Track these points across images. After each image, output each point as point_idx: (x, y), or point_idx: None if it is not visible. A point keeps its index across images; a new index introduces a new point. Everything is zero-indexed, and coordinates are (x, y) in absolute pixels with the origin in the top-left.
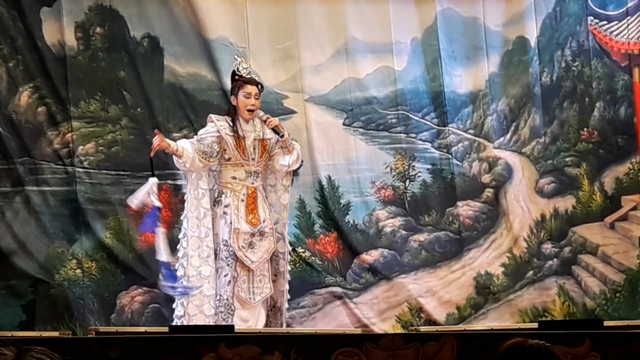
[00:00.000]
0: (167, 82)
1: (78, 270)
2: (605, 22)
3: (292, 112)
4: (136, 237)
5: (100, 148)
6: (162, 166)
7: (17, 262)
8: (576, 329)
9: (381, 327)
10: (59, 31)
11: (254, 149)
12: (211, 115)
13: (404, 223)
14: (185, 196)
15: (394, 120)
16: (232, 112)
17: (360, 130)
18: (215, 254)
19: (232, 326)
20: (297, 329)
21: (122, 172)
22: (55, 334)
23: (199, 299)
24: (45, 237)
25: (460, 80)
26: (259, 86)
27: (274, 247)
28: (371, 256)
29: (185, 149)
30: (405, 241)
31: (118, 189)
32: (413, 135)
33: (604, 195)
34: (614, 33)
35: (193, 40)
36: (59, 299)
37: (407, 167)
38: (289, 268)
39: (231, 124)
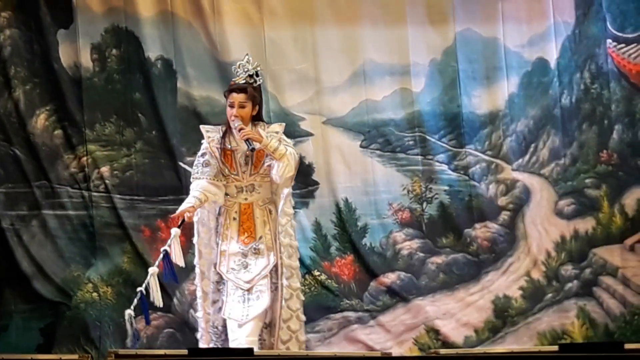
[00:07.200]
0: (180, 104)
1: (94, 294)
2: (623, 45)
3: (310, 134)
4: (152, 262)
5: (115, 172)
6: (176, 191)
7: (35, 286)
8: (597, 352)
9: (398, 350)
10: (74, 53)
11: (247, 161)
12: (202, 126)
13: (421, 245)
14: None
15: (411, 142)
16: (226, 124)
17: (378, 152)
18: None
19: (252, 349)
20: (318, 351)
21: (136, 197)
22: (75, 356)
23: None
24: (61, 261)
25: (479, 101)
26: (247, 90)
27: (274, 261)
28: (388, 278)
29: (206, 191)
30: (423, 263)
31: (132, 214)
32: (430, 157)
33: (624, 217)
34: (632, 56)
35: (207, 63)
36: (76, 321)
37: (424, 189)
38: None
39: (222, 135)
